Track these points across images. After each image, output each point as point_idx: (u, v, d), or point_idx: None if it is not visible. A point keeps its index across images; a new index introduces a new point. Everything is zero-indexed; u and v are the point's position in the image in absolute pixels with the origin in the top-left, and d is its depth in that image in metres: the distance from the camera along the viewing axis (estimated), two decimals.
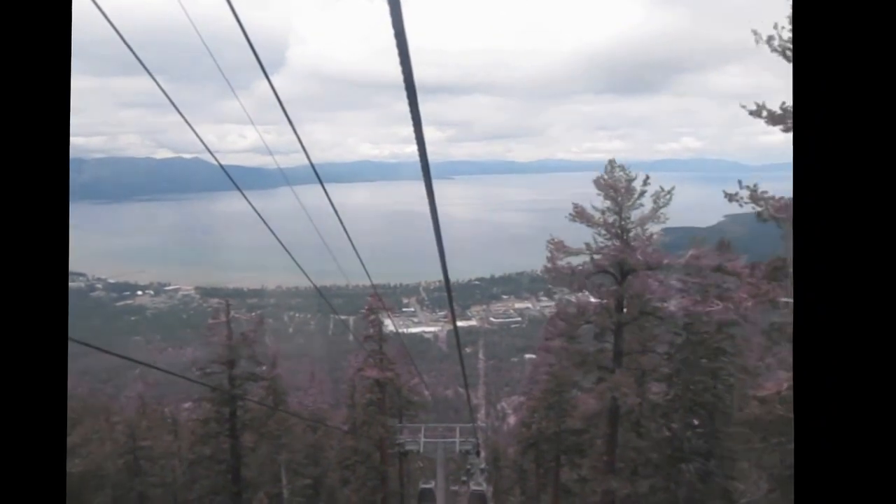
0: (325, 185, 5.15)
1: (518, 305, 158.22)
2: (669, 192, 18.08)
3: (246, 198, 5.61)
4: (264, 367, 26.74)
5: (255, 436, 25.53)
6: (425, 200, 2.97)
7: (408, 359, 32.39)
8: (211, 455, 24.73)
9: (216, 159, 5.14)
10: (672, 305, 18.57)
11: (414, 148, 2.69)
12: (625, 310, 18.71)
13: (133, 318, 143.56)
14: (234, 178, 5.42)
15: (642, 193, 18.37)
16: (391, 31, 2.04)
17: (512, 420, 70.49)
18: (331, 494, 33.09)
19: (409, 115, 2.47)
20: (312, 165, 4.90)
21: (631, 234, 18.29)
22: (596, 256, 18.44)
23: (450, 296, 5.45)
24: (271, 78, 3.97)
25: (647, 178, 18.48)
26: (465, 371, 9.94)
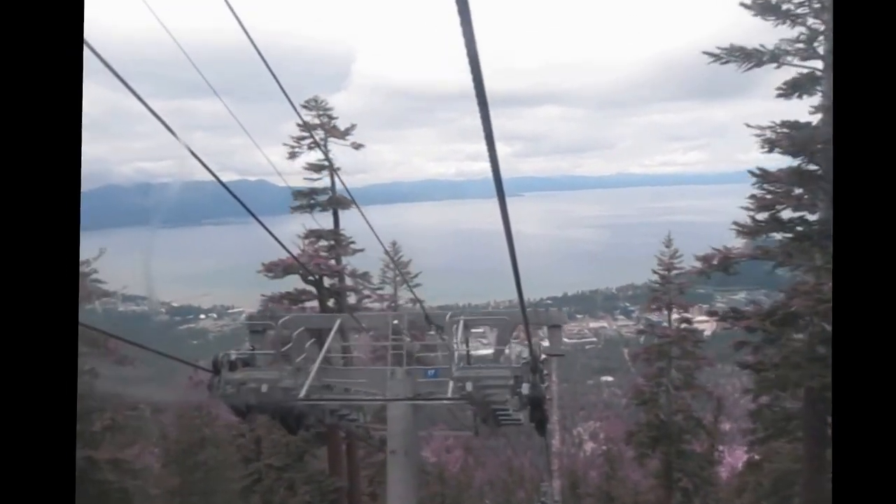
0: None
1: (593, 325, 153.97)
2: None
3: (256, 218, 4.99)
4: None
5: None
6: (492, 219, 2.94)
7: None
8: None
9: (222, 182, 5.08)
10: None
11: (480, 165, 2.62)
12: None
13: (195, 342, 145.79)
14: (245, 200, 4.87)
15: None
16: (456, 42, 2.01)
17: (589, 447, 67.78)
18: None
19: (473, 131, 2.45)
20: (347, 189, 5.06)
21: None
22: None
23: (525, 313, 5.28)
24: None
25: None
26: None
